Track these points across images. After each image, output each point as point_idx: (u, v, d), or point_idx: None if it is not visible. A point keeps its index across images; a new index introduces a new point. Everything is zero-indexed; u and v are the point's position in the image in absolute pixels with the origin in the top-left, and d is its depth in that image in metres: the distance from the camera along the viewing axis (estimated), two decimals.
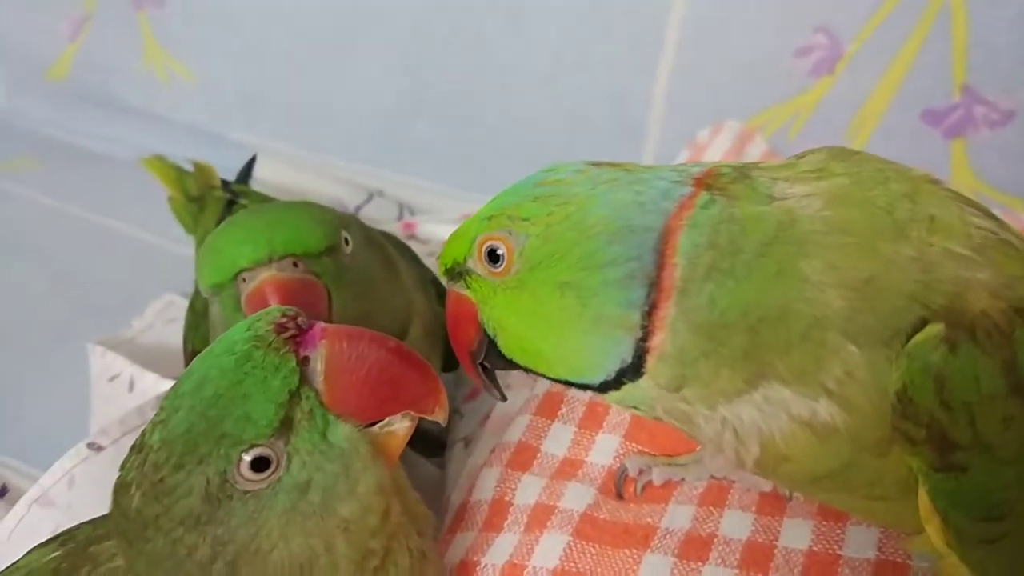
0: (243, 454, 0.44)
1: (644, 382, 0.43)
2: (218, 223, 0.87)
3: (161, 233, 1.15)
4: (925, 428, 0.39)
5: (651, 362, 0.42)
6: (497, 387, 0.53)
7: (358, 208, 1.17)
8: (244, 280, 0.59)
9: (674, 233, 0.42)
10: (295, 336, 0.46)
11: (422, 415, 0.48)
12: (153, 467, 0.45)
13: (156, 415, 0.47)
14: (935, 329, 0.39)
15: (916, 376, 0.39)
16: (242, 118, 1.27)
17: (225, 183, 0.95)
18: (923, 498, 0.41)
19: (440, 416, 0.49)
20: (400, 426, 0.48)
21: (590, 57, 1.07)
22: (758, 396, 0.42)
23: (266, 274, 0.58)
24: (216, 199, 0.91)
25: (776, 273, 0.41)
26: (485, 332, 0.48)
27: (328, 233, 0.60)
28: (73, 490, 0.71)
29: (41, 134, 1.41)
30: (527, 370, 0.48)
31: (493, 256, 0.46)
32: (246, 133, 1.27)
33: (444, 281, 0.51)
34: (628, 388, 0.44)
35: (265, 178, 1.17)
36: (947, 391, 0.39)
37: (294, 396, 0.45)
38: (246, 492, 0.44)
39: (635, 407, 0.46)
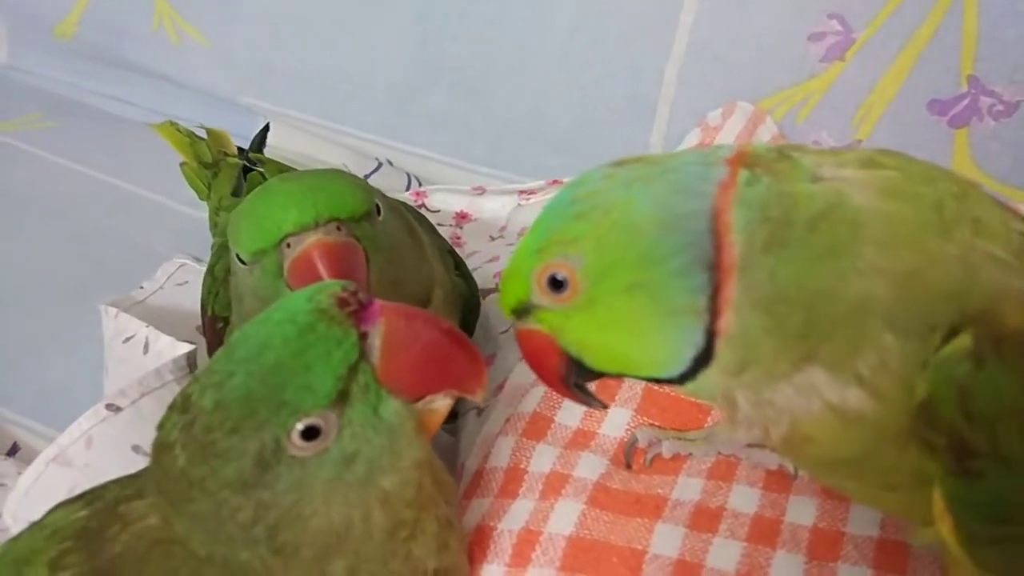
0: (297, 422, 0.45)
1: (712, 369, 0.44)
2: (233, 190, 0.88)
3: (171, 195, 1.15)
4: (946, 436, 0.41)
5: (719, 346, 0.43)
6: (595, 398, 0.52)
7: (367, 177, 1.18)
8: (289, 246, 0.59)
9: (724, 213, 0.42)
10: (356, 311, 0.47)
11: (465, 395, 0.50)
12: (204, 429, 0.45)
13: (205, 377, 0.47)
14: (963, 342, 0.40)
15: (941, 388, 0.40)
16: (253, 83, 1.26)
17: (242, 151, 0.95)
18: (937, 499, 0.43)
19: (480, 397, 0.50)
20: (441, 404, 0.49)
21: (605, 33, 1.07)
22: (798, 379, 0.43)
23: (313, 238, 0.58)
24: (230, 166, 0.91)
25: (828, 250, 0.41)
26: (568, 356, 0.48)
27: (366, 198, 0.61)
28: (91, 450, 0.71)
29: (51, 92, 1.39)
30: (618, 376, 0.49)
31: (555, 283, 0.46)
32: (256, 98, 1.27)
33: (512, 321, 0.51)
34: (701, 377, 0.44)
35: (274, 144, 1.17)
36: (970, 404, 0.40)
37: (352, 370, 0.46)
38: (293, 459, 0.45)
39: (708, 397, 0.46)
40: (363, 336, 0.46)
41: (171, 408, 0.48)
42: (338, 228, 0.59)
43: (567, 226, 0.45)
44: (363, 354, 0.46)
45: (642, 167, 0.45)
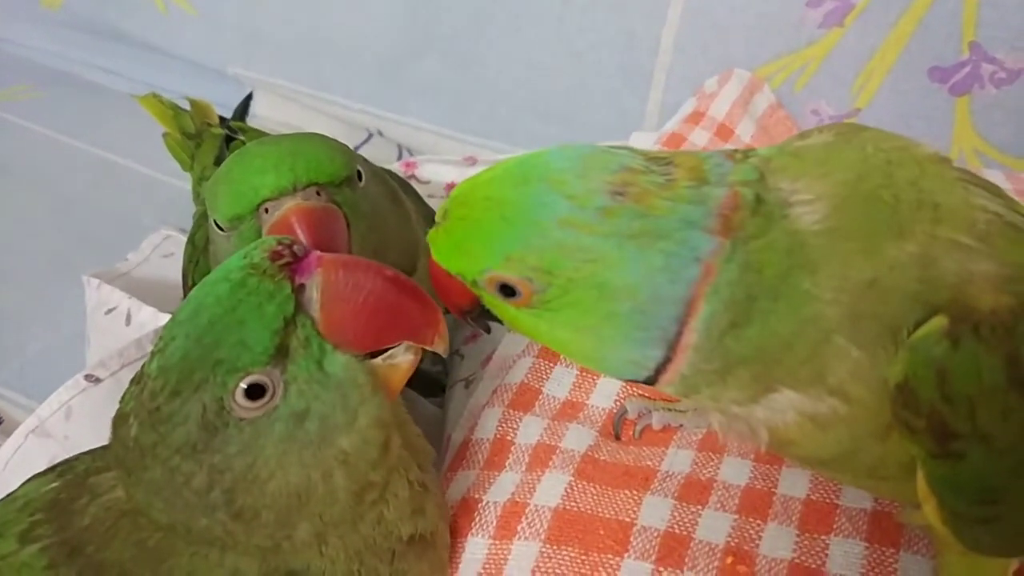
0: (239, 381, 0.43)
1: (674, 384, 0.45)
2: (216, 160, 0.87)
3: (157, 166, 1.14)
4: (925, 418, 0.40)
5: (659, 381, 0.44)
6: (486, 326, 0.52)
7: (356, 148, 1.16)
8: (267, 211, 0.58)
9: (697, 300, 0.42)
10: (290, 263, 0.45)
11: (421, 345, 0.48)
12: (150, 395, 0.44)
13: (155, 346, 0.46)
14: (939, 323, 0.40)
15: (918, 369, 0.40)
16: (240, 52, 1.24)
17: (223, 120, 0.94)
18: (920, 481, 0.42)
19: (440, 347, 0.48)
20: (403, 359, 0.48)
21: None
22: (767, 401, 0.43)
23: (291, 203, 0.57)
24: (213, 136, 0.90)
25: (788, 306, 0.41)
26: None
27: (347, 163, 0.60)
28: (70, 421, 0.71)
29: (37, 63, 1.38)
30: None
31: (507, 289, 0.44)
32: (244, 68, 1.25)
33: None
34: (664, 385, 0.45)
35: (262, 114, 1.16)
36: (948, 384, 0.40)
37: (289, 323, 0.44)
38: (242, 420, 0.44)
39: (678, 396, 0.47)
40: (300, 289, 0.45)
41: (132, 381, 0.47)
42: (317, 193, 0.58)
43: (546, 252, 0.43)
44: (300, 307, 0.45)
45: (640, 218, 0.42)
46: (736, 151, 0.46)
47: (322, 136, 0.64)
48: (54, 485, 0.52)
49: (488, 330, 0.53)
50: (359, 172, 0.61)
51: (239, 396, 0.43)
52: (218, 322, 0.44)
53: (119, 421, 0.47)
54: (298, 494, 0.45)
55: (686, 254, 0.41)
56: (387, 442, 0.47)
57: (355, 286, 0.46)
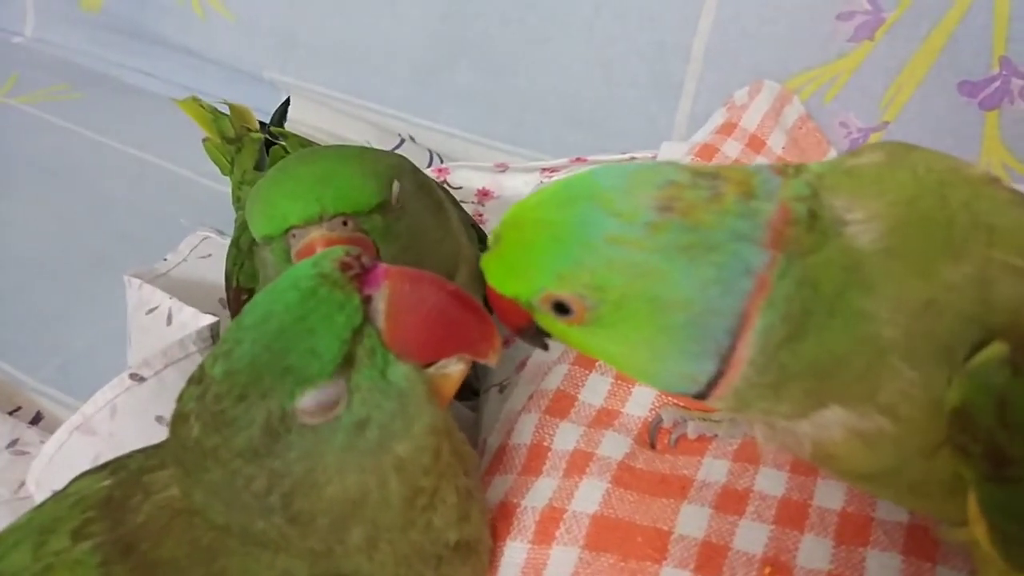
0: (306, 389, 0.44)
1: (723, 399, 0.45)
2: (256, 165, 0.88)
3: (194, 168, 1.15)
4: (982, 444, 0.41)
5: (711, 396, 0.45)
6: (543, 343, 0.53)
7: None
8: (294, 236, 0.59)
9: (751, 315, 0.42)
10: (359, 275, 0.46)
11: (477, 358, 0.49)
12: (215, 398, 0.45)
13: (217, 347, 0.47)
14: (999, 350, 0.40)
15: (977, 395, 0.40)
16: (276, 57, 1.26)
17: (263, 125, 0.95)
18: (971, 502, 0.43)
19: (493, 360, 0.50)
20: (455, 369, 0.49)
21: (630, 9, 1.06)
22: (815, 416, 0.44)
23: (316, 233, 0.58)
24: (253, 140, 0.91)
25: (843, 323, 0.42)
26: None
27: (379, 189, 0.60)
28: (115, 419, 0.72)
29: (76, 64, 1.40)
30: None
31: (560, 307, 0.45)
32: (279, 72, 1.26)
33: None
34: (712, 399, 0.46)
35: (296, 118, 1.17)
36: (1008, 412, 0.40)
37: (357, 333, 0.45)
38: (305, 427, 0.45)
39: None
40: (367, 300, 0.46)
41: (189, 381, 0.48)
42: (344, 223, 0.59)
43: (597, 269, 0.44)
44: (367, 318, 0.46)
45: (688, 232, 0.43)
46: (787, 166, 0.46)
47: (360, 157, 0.64)
48: (107, 483, 0.53)
49: (546, 347, 0.54)
50: (396, 194, 0.61)
51: (304, 403, 0.44)
52: (288, 330, 0.45)
53: (179, 421, 0.48)
54: (353, 500, 0.46)
55: (738, 266, 0.42)
56: (439, 449, 0.49)
57: (420, 299, 0.47)
